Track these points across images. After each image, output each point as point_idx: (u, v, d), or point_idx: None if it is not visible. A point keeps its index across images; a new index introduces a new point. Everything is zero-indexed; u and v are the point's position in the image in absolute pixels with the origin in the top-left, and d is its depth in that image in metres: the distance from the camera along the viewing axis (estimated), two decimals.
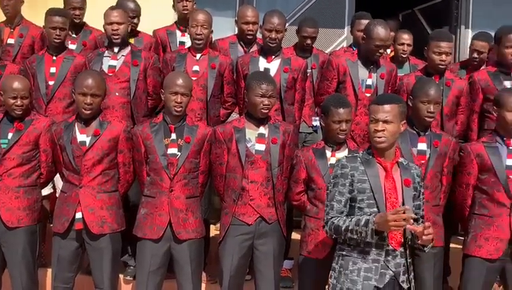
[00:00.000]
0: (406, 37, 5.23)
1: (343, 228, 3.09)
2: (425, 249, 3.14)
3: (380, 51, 4.35)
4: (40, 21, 4.78)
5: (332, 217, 3.16)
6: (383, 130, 3.12)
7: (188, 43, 4.87)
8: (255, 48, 4.84)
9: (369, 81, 4.39)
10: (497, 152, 3.81)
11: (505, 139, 3.82)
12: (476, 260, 3.79)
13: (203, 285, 4.39)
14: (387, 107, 3.15)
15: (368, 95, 4.39)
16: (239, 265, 3.80)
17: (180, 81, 3.81)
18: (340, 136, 3.73)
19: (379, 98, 3.31)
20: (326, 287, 3.21)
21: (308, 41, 5.00)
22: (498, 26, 5.21)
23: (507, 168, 3.78)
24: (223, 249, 3.83)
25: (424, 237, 3.02)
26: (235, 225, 3.79)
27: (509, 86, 4.33)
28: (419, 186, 3.21)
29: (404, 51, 5.22)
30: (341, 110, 3.69)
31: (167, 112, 3.87)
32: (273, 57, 4.52)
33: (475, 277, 3.79)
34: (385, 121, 3.13)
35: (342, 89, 4.42)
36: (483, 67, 5.06)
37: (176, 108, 3.80)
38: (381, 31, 4.30)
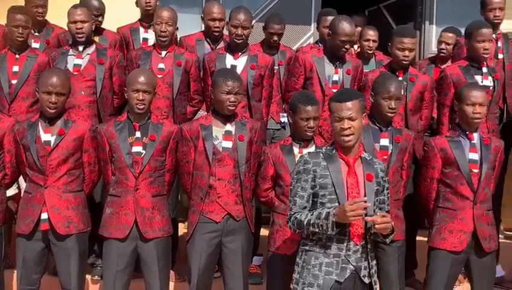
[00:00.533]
0: (372, 33, 5.28)
1: (305, 223, 3.10)
2: (386, 240, 3.16)
3: (346, 46, 4.37)
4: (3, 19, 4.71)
5: (295, 213, 3.17)
6: (350, 128, 3.12)
7: (151, 40, 4.84)
8: (222, 44, 4.84)
9: (335, 77, 4.42)
10: (460, 146, 3.86)
11: (467, 133, 3.88)
12: (441, 253, 3.85)
13: (172, 284, 4.38)
14: (349, 104, 3.14)
15: (335, 90, 4.40)
16: (207, 263, 3.80)
17: (141, 79, 3.79)
18: (307, 133, 3.75)
19: (339, 95, 3.28)
20: (291, 284, 3.22)
21: (275, 37, 5.01)
22: (462, 21, 5.29)
23: (470, 161, 3.84)
24: (191, 247, 3.81)
25: (378, 226, 3.02)
26: (203, 222, 3.78)
27: (480, 80, 4.40)
28: (383, 181, 3.23)
29: (369, 47, 5.26)
30: (309, 108, 3.71)
31: (131, 110, 3.85)
32: (240, 53, 4.51)
33: (440, 269, 3.85)
34: (350, 118, 3.13)
35: (309, 85, 4.43)
36: (449, 62, 5.14)
37: (138, 106, 3.77)
38: (346, 26, 4.32)
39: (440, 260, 3.85)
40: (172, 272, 4.44)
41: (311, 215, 3.09)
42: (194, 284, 3.80)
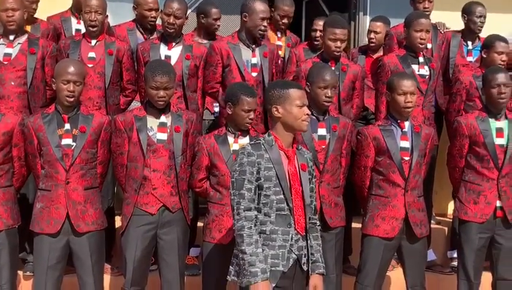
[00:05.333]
0: (320, 24, 5.21)
1: (242, 247, 3.00)
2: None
3: (264, 24, 4.41)
4: None
5: (246, 215, 3.03)
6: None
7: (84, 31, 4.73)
8: (155, 34, 4.78)
9: (254, 60, 4.44)
10: (392, 135, 3.95)
11: (398, 122, 3.97)
12: (374, 239, 3.94)
13: (108, 277, 4.33)
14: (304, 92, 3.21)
15: (255, 74, 4.43)
16: (142, 256, 3.76)
17: (71, 69, 3.70)
18: (247, 124, 3.75)
19: (295, 83, 3.31)
20: (228, 276, 3.19)
21: (218, 22, 4.98)
22: (395, 12, 5.39)
23: (401, 150, 3.93)
24: (126, 240, 3.77)
25: None
26: (138, 215, 3.74)
27: (417, 70, 4.49)
28: (312, 170, 3.28)
29: (316, 37, 5.21)
30: (251, 99, 3.71)
31: (59, 102, 3.75)
32: (174, 44, 4.46)
33: (373, 255, 3.94)
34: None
35: (228, 72, 4.43)
36: (380, 51, 5.23)
37: (68, 98, 3.69)
38: (260, 4, 4.39)
39: (373, 246, 3.94)
40: (108, 266, 4.40)
41: (253, 250, 2.99)
42: (129, 278, 3.76)
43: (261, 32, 4.43)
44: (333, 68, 4.27)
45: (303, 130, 3.22)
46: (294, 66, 4.84)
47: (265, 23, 4.42)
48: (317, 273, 3.19)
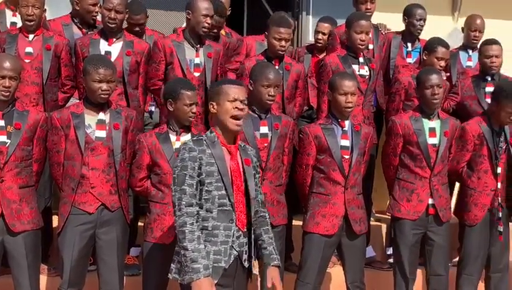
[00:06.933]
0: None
1: (183, 244, 2.98)
2: None
3: (207, 21, 4.39)
4: None
5: (188, 211, 3.01)
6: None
7: (20, 24, 4.58)
8: (95, 29, 4.68)
9: (197, 60, 4.42)
10: (333, 133, 4.00)
11: (339, 121, 4.02)
12: (314, 236, 3.98)
13: (45, 278, 4.22)
14: (244, 88, 3.19)
15: (197, 74, 4.41)
16: (80, 256, 3.68)
17: (6, 64, 3.59)
18: (191, 118, 3.73)
19: (233, 80, 3.29)
20: (169, 274, 3.16)
21: (136, 28, 4.81)
22: (337, 13, 5.46)
23: (341, 148, 3.99)
24: (63, 240, 3.69)
25: None
26: (75, 214, 3.67)
27: (357, 70, 4.55)
28: (257, 166, 3.28)
29: None
30: (191, 93, 3.70)
31: None
32: (115, 39, 4.38)
33: (314, 252, 3.98)
34: (245, 103, 3.17)
35: (170, 70, 4.39)
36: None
37: (3, 93, 3.58)
38: (203, 1, 4.39)
39: (313, 243, 3.99)
40: (45, 266, 4.29)
41: (195, 246, 2.97)
42: (67, 278, 3.68)
43: (204, 29, 4.41)
44: (277, 67, 4.30)
45: (233, 129, 3.13)
46: (242, 57, 4.83)
47: (208, 20, 4.40)
48: (273, 265, 3.20)
